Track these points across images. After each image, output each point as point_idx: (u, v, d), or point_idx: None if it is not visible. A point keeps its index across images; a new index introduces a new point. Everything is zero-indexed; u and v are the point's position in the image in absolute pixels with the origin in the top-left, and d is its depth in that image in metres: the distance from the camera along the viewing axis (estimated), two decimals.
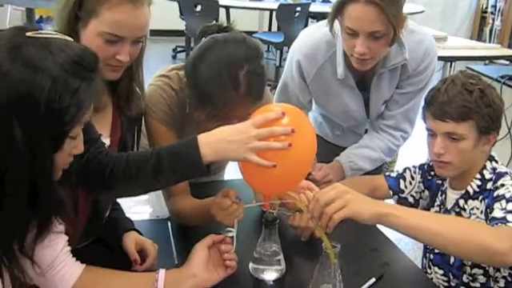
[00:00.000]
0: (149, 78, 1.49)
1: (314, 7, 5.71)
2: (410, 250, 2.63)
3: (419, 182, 1.62)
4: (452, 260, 1.45)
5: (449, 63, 3.74)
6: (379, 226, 1.43)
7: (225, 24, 1.46)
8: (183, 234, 1.46)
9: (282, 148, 1.08)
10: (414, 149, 2.77)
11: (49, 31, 0.94)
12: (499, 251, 1.12)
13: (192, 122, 1.47)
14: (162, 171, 1.11)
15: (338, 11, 1.57)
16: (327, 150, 1.92)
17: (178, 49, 6.85)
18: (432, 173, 1.58)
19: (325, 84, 1.79)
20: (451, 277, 1.47)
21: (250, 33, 2.56)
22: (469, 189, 1.43)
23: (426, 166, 1.61)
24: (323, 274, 1.16)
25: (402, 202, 1.62)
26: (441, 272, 1.49)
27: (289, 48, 1.86)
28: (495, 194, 1.35)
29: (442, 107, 1.38)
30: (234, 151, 1.09)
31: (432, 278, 1.50)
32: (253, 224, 1.51)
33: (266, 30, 7.29)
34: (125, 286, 1.15)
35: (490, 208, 1.34)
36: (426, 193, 1.62)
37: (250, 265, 1.31)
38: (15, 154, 0.86)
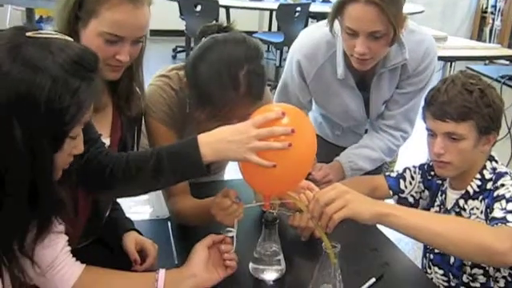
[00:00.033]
0: (149, 77, 1.49)
1: (314, 7, 5.71)
2: (410, 249, 2.63)
3: (419, 182, 1.62)
4: (452, 260, 1.45)
5: (449, 63, 3.74)
6: (379, 226, 1.43)
7: (225, 24, 1.46)
8: (183, 234, 1.46)
9: (281, 148, 1.08)
10: (414, 149, 2.77)
11: (49, 31, 0.94)
12: (499, 251, 1.12)
13: (192, 122, 1.47)
14: (162, 171, 1.11)
15: (338, 11, 1.57)
16: (327, 150, 1.92)
17: (178, 49, 6.85)
18: (432, 173, 1.58)
19: (325, 84, 1.79)
20: (451, 277, 1.47)
21: (250, 33, 2.56)
22: (469, 189, 1.43)
23: (425, 166, 1.61)
24: (323, 273, 1.16)
25: (402, 201, 1.62)
26: (441, 272, 1.49)
27: (289, 48, 1.86)
28: (495, 193, 1.35)
29: (441, 107, 1.38)
30: (234, 151, 1.09)
31: (432, 278, 1.50)
32: (253, 224, 1.51)
33: (266, 29, 7.30)
34: (125, 286, 1.15)
35: (490, 208, 1.34)
36: (426, 193, 1.62)
37: (250, 265, 1.31)
38: (15, 154, 0.86)
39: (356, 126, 1.97)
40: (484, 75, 2.61)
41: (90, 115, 0.97)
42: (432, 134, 1.43)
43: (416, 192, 1.63)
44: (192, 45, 5.62)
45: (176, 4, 5.87)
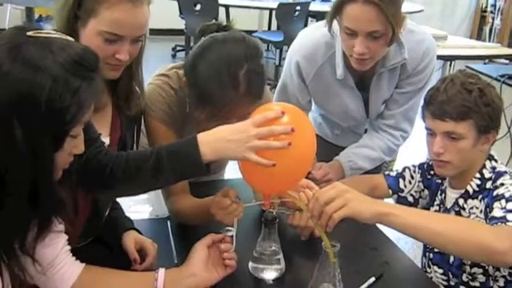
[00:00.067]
0: (148, 77, 1.49)
1: (314, 6, 5.70)
2: (410, 249, 2.63)
3: (419, 182, 1.62)
4: (451, 259, 1.45)
5: (448, 62, 3.74)
6: (379, 226, 1.43)
7: (224, 23, 1.46)
8: (183, 234, 1.46)
9: (281, 147, 1.08)
10: (414, 148, 2.77)
11: (49, 31, 0.94)
12: (499, 250, 1.13)
13: (191, 121, 1.47)
14: (161, 170, 1.11)
15: (337, 11, 1.57)
16: (327, 150, 1.92)
17: (178, 48, 6.85)
18: (431, 172, 1.58)
19: (324, 84, 1.79)
20: (451, 276, 1.47)
21: (250, 32, 2.57)
22: (468, 188, 1.43)
23: (425, 165, 1.61)
24: (323, 273, 1.16)
25: (402, 201, 1.63)
26: (440, 271, 1.50)
27: (288, 47, 1.85)
28: (495, 193, 1.35)
29: (441, 106, 1.38)
30: (234, 150, 1.09)
31: (431, 277, 1.50)
32: (252, 223, 1.51)
33: (266, 29, 7.30)
34: (124, 286, 1.15)
35: (489, 207, 1.34)
36: (426, 192, 1.62)
37: (250, 264, 1.32)
38: (16, 153, 0.86)
39: (356, 126, 1.97)
40: (483, 74, 2.61)
41: (91, 115, 0.97)
42: (431, 134, 1.43)
43: (415, 191, 1.63)
44: (191, 44, 5.62)
45: (175, 3, 5.87)
